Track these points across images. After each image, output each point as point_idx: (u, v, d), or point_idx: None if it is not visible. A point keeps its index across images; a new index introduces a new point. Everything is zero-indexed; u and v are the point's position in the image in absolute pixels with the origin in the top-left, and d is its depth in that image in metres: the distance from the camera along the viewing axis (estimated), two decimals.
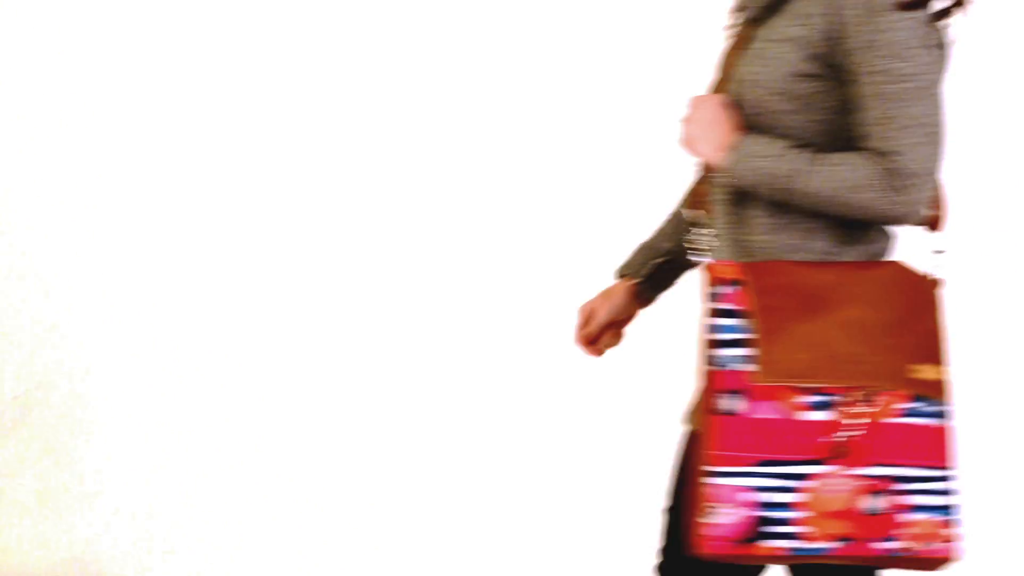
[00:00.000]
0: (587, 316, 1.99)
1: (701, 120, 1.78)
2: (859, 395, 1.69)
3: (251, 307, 3.57)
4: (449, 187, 3.34)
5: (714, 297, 1.71)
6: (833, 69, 1.75)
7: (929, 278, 1.77)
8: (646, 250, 2.00)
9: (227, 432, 3.48)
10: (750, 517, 1.66)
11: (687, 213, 1.90)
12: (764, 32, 1.79)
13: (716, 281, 1.71)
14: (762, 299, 1.70)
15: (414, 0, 3.34)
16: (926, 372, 1.71)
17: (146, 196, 3.58)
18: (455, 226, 3.34)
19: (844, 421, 1.68)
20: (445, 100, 3.34)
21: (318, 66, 3.36)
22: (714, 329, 1.70)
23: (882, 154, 1.71)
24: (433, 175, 3.35)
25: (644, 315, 1.99)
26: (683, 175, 1.93)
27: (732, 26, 1.87)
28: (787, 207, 1.76)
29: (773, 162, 1.74)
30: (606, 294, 1.99)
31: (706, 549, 1.66)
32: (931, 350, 1.73)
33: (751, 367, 1.68)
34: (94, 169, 3.58)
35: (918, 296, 1.75)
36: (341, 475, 2.79)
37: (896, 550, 1.69)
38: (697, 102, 1.80)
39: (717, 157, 1.76)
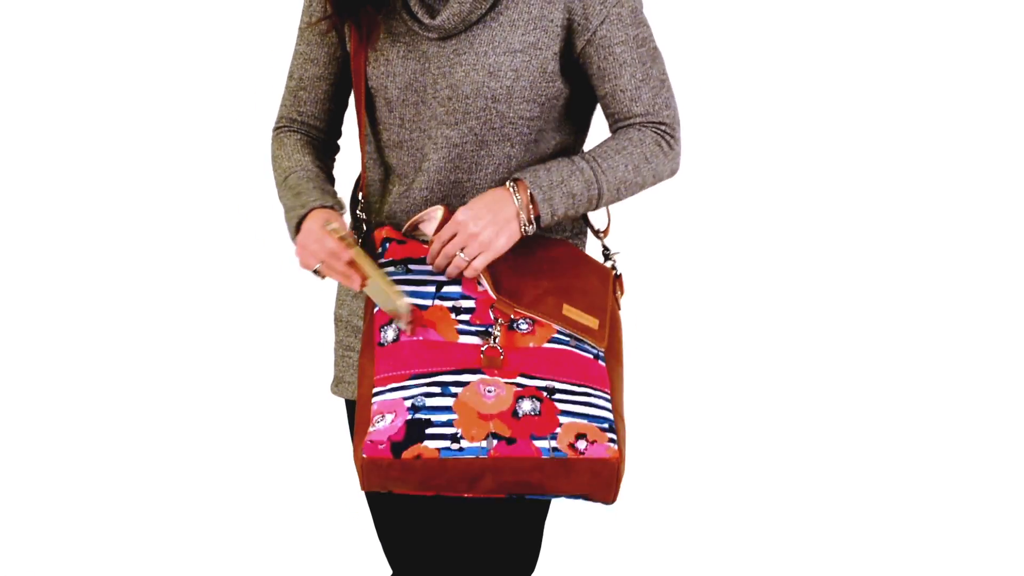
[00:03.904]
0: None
1: (485, 221, 1.77)
2: (511, 321, 1.79)
3: (251, 307, 3.58)
4: None
5: (377, 253, 1.85)
6: (569, 61, 1.81)
7: (593, 261, 1.88)
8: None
9: (225, 432, 3.49)
10: (405, 420, 1.71)
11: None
12: (482, 41, 1.78)
13: (379, 242, 1.86)
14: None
15: None
16: (582, 317, 1.81)
17: (146, 197, 3.59)
18: None
19: (494, 341, 1.77)
20: None
21: None
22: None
23: (645, 116, 1.81)
24: None
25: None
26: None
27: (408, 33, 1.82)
28: None
29: (569, 184, 1.79)
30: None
31: (368, 454, 1.69)
32: (590, 305, 1.82)
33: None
34: (93, 169, 3.59)
35: (586, 268, 1.86)
36: (341, 475, 2.79)
37: (557, 448, 1.70)
38: (475, 212, 1.78)
39: (521, 228, 1.79)
